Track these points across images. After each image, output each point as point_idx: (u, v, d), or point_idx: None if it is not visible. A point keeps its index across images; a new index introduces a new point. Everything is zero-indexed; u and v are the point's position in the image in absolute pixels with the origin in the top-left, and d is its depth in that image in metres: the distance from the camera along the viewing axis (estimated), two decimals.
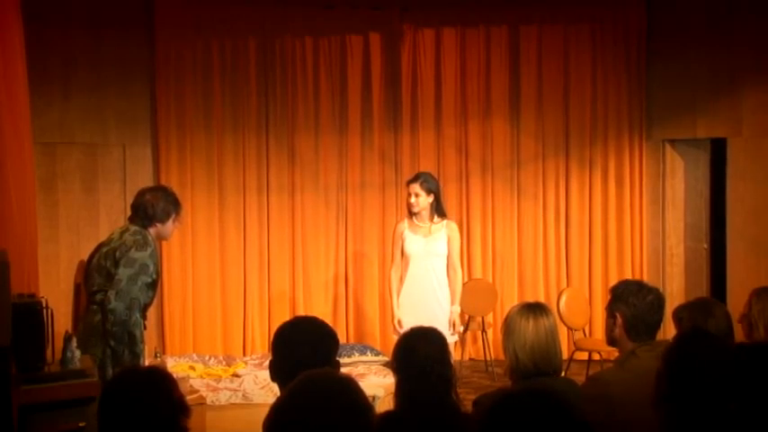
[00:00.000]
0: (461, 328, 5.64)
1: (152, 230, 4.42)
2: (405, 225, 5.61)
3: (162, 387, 2.24)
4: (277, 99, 7.69)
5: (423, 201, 5.50)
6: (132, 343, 4.19)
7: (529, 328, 2.97)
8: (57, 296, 5.45)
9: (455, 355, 5.84)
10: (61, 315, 4.88)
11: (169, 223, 4.48)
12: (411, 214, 5.57)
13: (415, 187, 5.51)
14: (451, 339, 5.34)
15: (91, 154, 7.24)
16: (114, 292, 4.18)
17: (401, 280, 5.61)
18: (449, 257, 5.56)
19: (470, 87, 7.90)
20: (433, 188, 5.55)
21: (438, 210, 5.57)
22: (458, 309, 5.57)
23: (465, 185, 7.91)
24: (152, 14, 7.36)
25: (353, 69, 7.78)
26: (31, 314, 3.64)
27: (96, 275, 4.35)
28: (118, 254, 4.27)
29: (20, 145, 4.71)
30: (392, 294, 5.65)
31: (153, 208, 4.40)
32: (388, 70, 7.82)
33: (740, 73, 7.35)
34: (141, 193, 4.54)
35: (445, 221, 5.59)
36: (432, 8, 7.82)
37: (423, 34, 7.84)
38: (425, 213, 5.53)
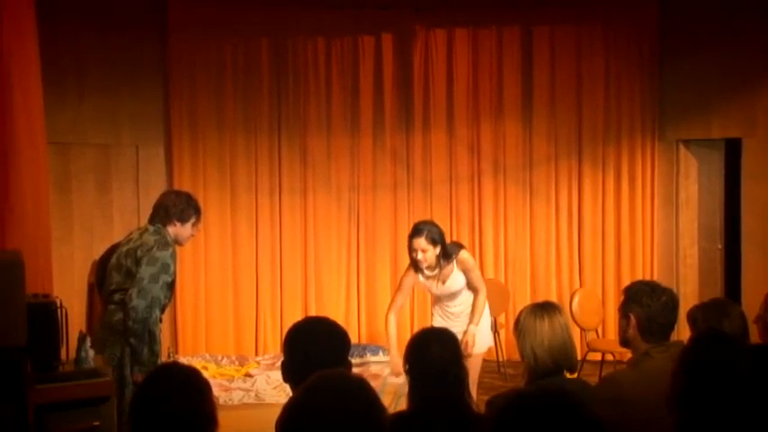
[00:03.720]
0: (472, 351, 5.02)
1: (170, 229, 4.43)
2: (414, 278, 5.07)
3: (202, 387, 2.26)
4: (289, 99, 7.71)
5: (430, 255, 4.92)
6: (152, 341, 4.21)
7: (545, 328, 2.98)
8: (70, 296, 5.49)
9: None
10: (75, 315, 4.91)
11: (188, 226, 4.47)
12: (416, 270, 5.02)
13: (421, 242, 4.90)
14: (483, 348, 5.17)
15: (104, 154, 7.27)
16: (136, 290, 4.18)
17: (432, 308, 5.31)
18: (469, 284, 5.07)
19: (482, 88, 7.89)
20: (438, 238, 4.94)
21: (445, 256, 4.98)
22: (475, 329, 5.03)
23: (477, 186, 7.90)
24: (165, 15, 7.39)
25: (365, 70, 7.78)
26: (45, 314, 3.66)
27: (115, 274, 4.36)
28: (139, 252, 4.28)
29: (34, 145, 4.74)
30: (389, 338, 5.11)
31: (174, 207, 4.42)
32: (399, 71, 7.82)
33: (754, 72, 7.31)
34: (165, 194, 4.60)
35: (454, 261, 5.02)
36: (444, 8, 7.81)
37: (435, 35, 7.84)
38: (432, 264, 4.99)
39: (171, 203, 4.43)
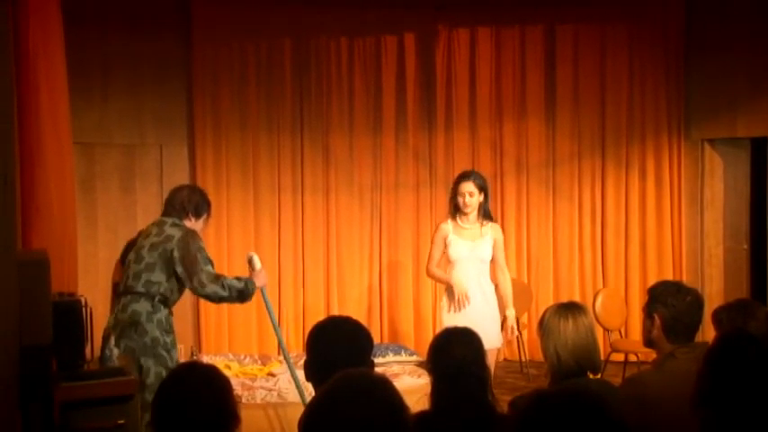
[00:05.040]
0: (518, 333, 5.26)
1: (186, 223, 4.52)
2: (449, 228, 5.22)
3: (224, 384, 2.28)
4: (312, 99, 7.73)
5: (475, 200, 5.14)
6: (242, 294, 4.47)
7: (569, 328, 2.96)
8: (95, 295, 5.52)
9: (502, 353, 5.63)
10: (99, 314, 4.95)
11: (201, 221, 4.61)
12: (454, 215, 5.22)
13: (470, 185, 5.13)
14: (498, 343, 5.19)
15: (128, 154, 7.34)
16: (204, 276, 4.37)
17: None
18: (495, 260, 5.24)
19: (505, 87, 7.86)
20: (485, 186, 5.22)
21: (485, 211, 5.23)
22: (513, 312, 5.23)
23: (500, 185, 7.87)
24: (188, 16, 7.44)
25: (388, 69, 7.78)
26: (71, 313, 3.69)
27: (134, 266, 4.45)
28: (168, 246, 4.39)
29: (60, 145, 4.79)
30: (440, 277, 5.26)
31: (189, 202, 4.55)
32: (422, 70, 7.82)
33: None
34: (179, 189, 4.69)
35: (490, 224, 5.25)
36: (467, 8, 7.80)
37: (457, 34, 7.82)
38: (474, 214, 5.18)
39: (186, 199, 4.54)
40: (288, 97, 7.68)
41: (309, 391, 3.99)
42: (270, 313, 5.04)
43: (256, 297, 4.74)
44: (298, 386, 4.85)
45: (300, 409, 1.93)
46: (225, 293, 4.42)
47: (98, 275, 6.91)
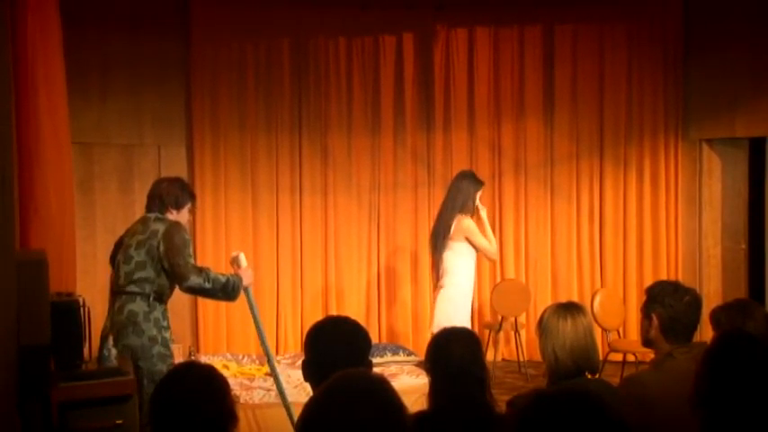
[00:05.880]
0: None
1: (169, 217, 4.48)
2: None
3: (222, 384, 2.28)
4: (310, 99, 7.73)
5: None
6: (226, 288, 4.44)
7: (567, 328, 2.95)
8: (93, 295, 5.51)
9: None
10: (97, 314, 4.95)
11: (184, 212, 4.56)
12: (471, 212, 5.84)
13: None
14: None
15: (127, 154, 7.33)
16: (186, 268, 4.33)
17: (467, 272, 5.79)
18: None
19: (504, 87, 7.86)
20: None
21: None
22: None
23: (498, 185, 7.87)
24: (188, 16, 7.43)
25: (386, 69, 7.78)
26: (69, 313, 3.69)
27: (124, 266, 4.42)
28: (161, 248, 4.34)
29: (58, 146, 4.79)
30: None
31: (168, 195, 4.49)
32: (421, 70, 7.82)
33: None
34: (159, 182, 4.66)
35: None
36: (465, 8, 7.80)
37: (456, 34, 7.82)
38: None
39: (165, 192, 4.50)
40: (286, 97, 7.68)
41: (308, 391, 3.99)
42: (253, 314, 5.01)
43: (242, 297, 4.71)
44: (279, 386, 4.84)
45: (298, 409, 1.92)
46: (208, 285, 4.36)
47: (96, 276, 6.89)
